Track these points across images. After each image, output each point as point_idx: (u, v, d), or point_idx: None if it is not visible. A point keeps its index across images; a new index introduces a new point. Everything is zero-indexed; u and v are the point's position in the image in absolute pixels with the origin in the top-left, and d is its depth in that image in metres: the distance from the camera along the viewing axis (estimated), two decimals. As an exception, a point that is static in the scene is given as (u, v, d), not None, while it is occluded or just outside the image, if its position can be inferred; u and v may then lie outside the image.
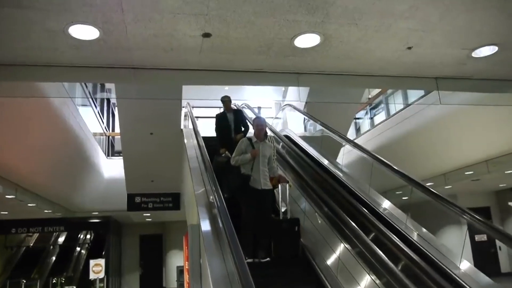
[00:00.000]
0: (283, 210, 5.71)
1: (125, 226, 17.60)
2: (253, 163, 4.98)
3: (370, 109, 14.82)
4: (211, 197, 5.03)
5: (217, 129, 7.49)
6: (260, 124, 5.26)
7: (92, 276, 13.06)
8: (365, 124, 15.04)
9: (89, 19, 3.63)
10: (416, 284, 4.13)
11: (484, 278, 4.64)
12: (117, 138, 12.66)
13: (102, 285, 13.63)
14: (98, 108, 12.92)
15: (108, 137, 14.31)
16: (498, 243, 14.04)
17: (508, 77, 5.67)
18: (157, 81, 5.01)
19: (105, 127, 14.07)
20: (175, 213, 12.16)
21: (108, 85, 12.60)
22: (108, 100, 14.82)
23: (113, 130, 15.09)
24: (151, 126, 8.49)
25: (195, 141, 7.69)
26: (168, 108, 8.08)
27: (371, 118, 14.54)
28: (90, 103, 11.47)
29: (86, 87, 10.66)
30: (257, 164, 4.99)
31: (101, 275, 13.20)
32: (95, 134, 11.46)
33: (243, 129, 7.60)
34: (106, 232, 15.70)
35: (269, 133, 5.73)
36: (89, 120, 10.64)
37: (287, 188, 5.59)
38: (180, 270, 8.39)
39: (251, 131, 7.15)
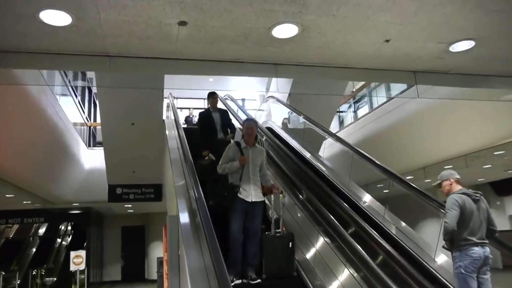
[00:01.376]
0: (275, 224, 4.80)
1: (107, 218, 17.46)
2: (242, 172, 4.36)
3: (354, 103, 14.89)
4: (191, 190, 4.99)
5: (200, 129, 6.75)
6: (250, 127, 4.57)
7: (72, 267, 12.93)
8: (348, 117, 15.12)
9: (60, 4, 3.55)
10: (392, 276, 4.16)
11: None
12: (99, 128, 12.50)
13: (83, 276, 13.51)
14: (79, 98, 12.71)
15: (89, 127, 14.12)
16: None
17: (485, 72, 5.73)
18: (133, 70, 4.93)
19: (86, 117, 13.87)
20: (157, 205, 12.10)
21: (89, 74, 12.41)
22: (90, 90, 14.61)
23: (95, 120, 14.88)
24: (133, 116, 8.40)
25: (176, 132, 7.64)
26: (149, 98, 8.00)
27: (355, 112, 14.62)
28: (70, 92, 11.27)
29: (66, 76, 10.48)
30: (246, 173, 4.39)
31: (82, 266, 13.07)
32: (75, 124, 11.29)
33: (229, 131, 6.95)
34: (87, 223, 15.55)
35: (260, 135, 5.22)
36: (69, 110, 10.46)
37: (280, 198, 4.84)
38: (160, 262, 8.33)
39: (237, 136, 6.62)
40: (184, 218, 4.78)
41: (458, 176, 4.11)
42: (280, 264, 4.34)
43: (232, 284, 3.29)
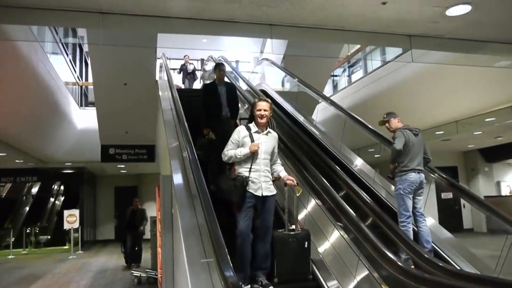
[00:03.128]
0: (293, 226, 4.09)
1: (100, 178, 17.57)
2: (252, 161, 3.76)
3: (349, 67, 14.83)
4: (184, 151, 5.03)
5: (203, 104, 5.90)
6: (263, 107, 3.84)
7: (66, 226, 13.18)
8: (342, 82, 15.09)
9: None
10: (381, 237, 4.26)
11: (445, 233, 4.90)
12: (91, 88, 12.36)
13: (76, 235, 13.77)
14: (70, 56, 12.49)
15: (81, 87, 13.96)
16: (462, 201, 14.64)
17: (480, 37, 5.71)
18: (126, 28, 4.85)
19: (78, 77, 13.68)
20: (150, 165, 12.17)
21: (80, 32, 12.15)
22: (81, 48, 14.34)
23: (86, 80, 14.69)
24: (125, 76, 8.30)
25: (170, 93, 7.59)
26: (142, 58, 7.89)
27: (349, 76, 14.58)
28: (61, 50, 11.07)
29: (57, 33, 10.26)
30: (258, 163, 3.78)
31: (76, 225, 13.32)
32: (67, 84, 11.16)
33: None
34: (80, 183, 15.65)
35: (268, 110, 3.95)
36: (60, 68, 10.32)
37: (295, 192, 4.03)
38: (154, 221, 8.49)
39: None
40: (178, 178, 4.83)
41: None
42: (294, 266, 3.83)
43: None
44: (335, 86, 15.19)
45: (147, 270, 8.17)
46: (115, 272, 9.42)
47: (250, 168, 3.76)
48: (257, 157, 3.78)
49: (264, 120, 3.86)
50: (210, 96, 5.85)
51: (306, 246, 3.87)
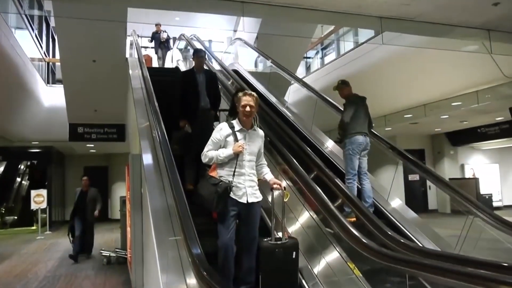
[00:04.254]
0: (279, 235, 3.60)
1: (69, 158, 17.19)
2: (236, 163, 3.32)
3: (322, 49, 14.89)
4: (154, 131, 4.96)
5: (180, 94, 5.38)
6: (249, 102, 3.40)
7: (33, 206, 12.88)
8: (314, 64, 15.15)
9: None
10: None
11: (411, 214, 5.07)
12: (58, 65, 11.96)
13: (44, 215, 13.50)
14: (36, 31, 12.02)
15: (48, 63, 13.49)
16: (428, 182, 15.10)
17: (449, 21, 5.82)
18: (94, 1, 4.68)
19: (44, 53, 13.21)
20: (121, 145, 11.97)
21: (47, 6, 11.69)
22: (48, 23, 13.81)
23: (54, 56, 14.20)
24: (94, 53, 8.07)
25: (140, 72, 7.44)
26: (112, 34, 7.68)
27: (322, 58, 14.65)
28: (26, 25, 10.63)
29: (21, 6, 9.84)
30: (241, 165, 3.35)
31: (43, 205, 13.03)
32: (33, 60, 10.76)
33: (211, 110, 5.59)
34: (47, 162, 15.28)
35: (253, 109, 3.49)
36: (26, 44, 9.92)
37: (283, 195, 3.51)
38: (123, 200, 8.41)
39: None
40: (147, 158, 4.78)
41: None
42: (281, 280, 3.42)
43: None
44: (308, 68, 15.24)
45: (117, 250, 8.11)
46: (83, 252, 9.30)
47: (234, 172, 3.31)
48: (241, 159, 3.34)
49: (250, 118, 3.40)
50: (188, 85, 5.32)
51: (294, 256, 3.44)
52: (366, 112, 5.19)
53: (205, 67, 6.02)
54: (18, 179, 17.36)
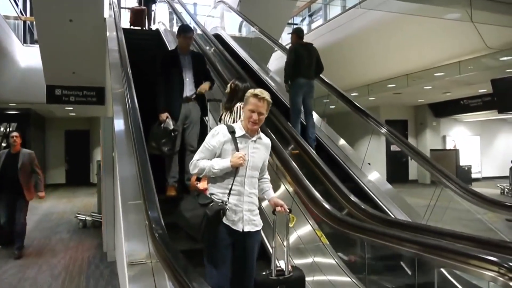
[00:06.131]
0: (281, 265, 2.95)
1: (49, 121, 16.89)
2: (233, 179, 2.61)
3: (309, 15, 14.67)
4: (128, 98, 4.81)
5: (160, 79, 4.49)
6: (256, 103, 2.63)
7: (12, 169, 12.70)
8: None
9: None
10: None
11: (386, 185, 5.12)
12: (36, 24, 11.55)
13: (24, 178, 13.34)
14: (11, -13, 11.53)
15: (25, 22, 13.00)
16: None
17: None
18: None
19: (21, 11, 12.72)
20: (101, 109, 11.75)
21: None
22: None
23: (31, 15, 13.69)
24: (70, 11, 7.75)
25: (116, 34, 7.22)
26: (88, -9, 7.37)
27: (308, 25, 14.42)
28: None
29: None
30: (240, 182, 2.64)
31: (22, 168, 12.87)
32: (7, 18, 10.36)
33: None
34: (26, 125, 14.96)
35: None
36: (-1, 0, 9.52)
37: (288, 219, 2.87)
38: (99, 165, 8.32)
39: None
40: (119, 124, 4.63)
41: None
42: None
43: None
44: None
45: (93, 214, 8.10)
46: (61, 216, 9.28)
47: (230, 190, 2.59)
48: (241, 174, 2.63)
49: (257, 126, 2.67)
50: (169, 69, 4.50)
51: None
52: (311, 58, 5.72)
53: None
54: (-2, 142, 17.08)
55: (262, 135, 2.78)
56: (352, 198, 3.57)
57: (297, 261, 3.59)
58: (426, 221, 4.23)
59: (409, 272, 3.63)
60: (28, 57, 11.55)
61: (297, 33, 5.92)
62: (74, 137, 16.98)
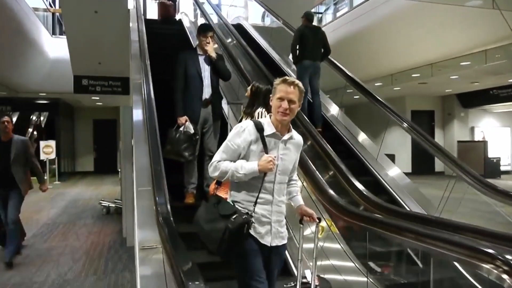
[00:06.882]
0: (306, 275, 2.81)
1: (78, 110, 17.41)
2: (262, 185, 2.21)
3: (334, 4, 14.47)
4: (143, 86, 4.91)
5: (178, 80, 4.21)
6: (286, 96, 2.20)
7: (42, 157, 13.19)
8: (325, 19, 14.74)
9: None
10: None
11: (405, 179, 5.11)
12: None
13: (54, 166, 13.85)
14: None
15: (53, 14, 13.36)
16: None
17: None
18: None
19: (50, 3, 13.07)
20: (127, 99, 11.99)
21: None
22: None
23: (60, 6, 14.06)
24: (95, 3, 7.93)
25: (137, 25, 7.34)
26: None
27: (333, 13, 14.24)
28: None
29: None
30: (269, 189, 2.25)
31: (52, 156, 13.36)
32: (36, 10, 10.67)
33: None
34: (56, 114, 15.45)
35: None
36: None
37: (316, 231, 2.59)
38: (122, 153, 8.60)
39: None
40: (138, 114, 4.71)
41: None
42: None
43: None
44: (319, 21, 14.83)
45: (116, 200, 8.35)
46: (87, 202, 9.60)
47: (257, 198, 2.20)
48: (269, 180, 2.23)
49: (287, 118, 2.21)
50: (189, 71, 4.20)
51: None
52: (317, 40, 5.99)
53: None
54: (30, 130, 17.67)
55: (294, 132, 2.33)
56: (355, 182, 3.61)
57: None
58: (440, 212, 4.19)
59: (420, 265, 3.61)
60: (56, 48, 11.90)
61: (307, 16, 6.24)
62: (102, 126, 17.44)
